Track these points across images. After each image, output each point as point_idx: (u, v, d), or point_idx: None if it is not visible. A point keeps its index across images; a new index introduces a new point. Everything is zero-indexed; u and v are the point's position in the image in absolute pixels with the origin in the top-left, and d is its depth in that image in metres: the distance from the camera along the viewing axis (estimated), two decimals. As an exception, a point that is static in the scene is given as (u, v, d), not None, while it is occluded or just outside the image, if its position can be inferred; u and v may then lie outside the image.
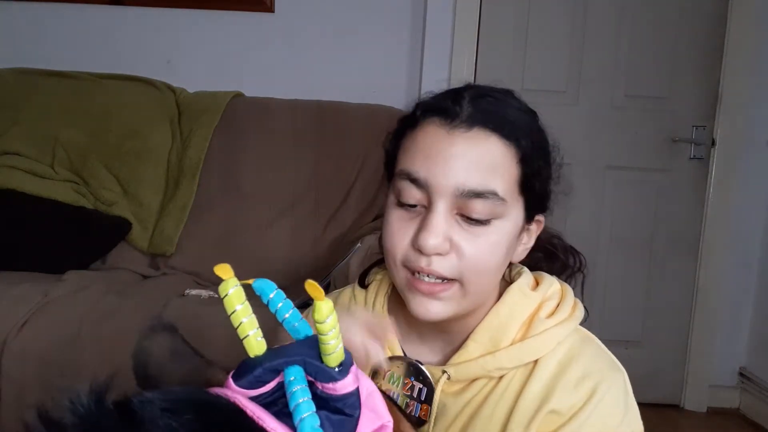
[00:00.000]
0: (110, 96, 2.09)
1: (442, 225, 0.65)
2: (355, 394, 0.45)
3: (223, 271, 0.45)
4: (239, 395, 0.44)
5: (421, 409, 0.71)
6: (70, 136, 2.01)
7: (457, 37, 2.26)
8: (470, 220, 0.65)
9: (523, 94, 0.73)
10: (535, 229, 0.74)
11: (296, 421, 0.42)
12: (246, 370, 0.45)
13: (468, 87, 0.70)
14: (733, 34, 2.26)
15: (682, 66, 2.32)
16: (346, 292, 0.84)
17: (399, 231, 0.67)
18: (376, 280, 0.81)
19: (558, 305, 0.73)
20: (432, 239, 0.64)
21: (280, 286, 0.49)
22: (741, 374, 2.41)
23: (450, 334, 0.73)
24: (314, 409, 0.43)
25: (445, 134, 0.65)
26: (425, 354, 0.75)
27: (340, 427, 0.44)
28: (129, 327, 1.44)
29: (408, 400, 0.72)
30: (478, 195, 0.64)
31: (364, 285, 0.82)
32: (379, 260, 0.80)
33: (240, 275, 0.48)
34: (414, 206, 0.67)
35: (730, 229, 2.34)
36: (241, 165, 2.03)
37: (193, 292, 1.70)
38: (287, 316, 0.47)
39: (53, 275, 1.69)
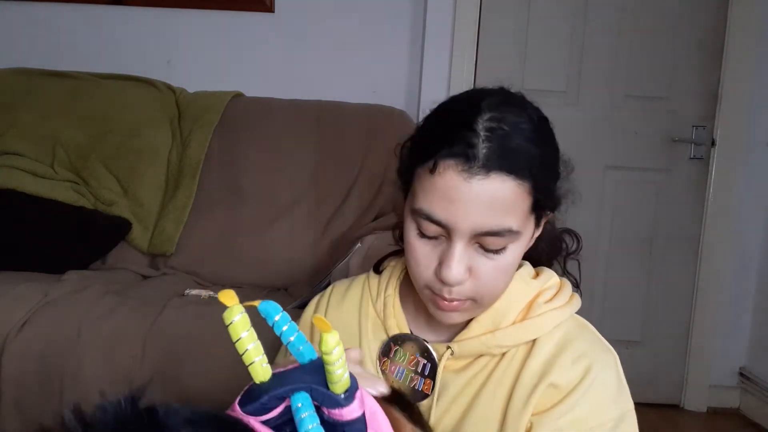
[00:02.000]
0: (110, 96, 2.09)
1: (461, 259, 0.69)
2: (361, 419, 0.46)
3: (227, 297, 0.45)
4: (251, 420, 0.45)
5: (424, 383, 0.78)
6: (70, 136, 2.01)
7: (457, 37, 2.26)
8: (488, 250, 0.70)
9: (522, 95, 0.74)
10: (542, 225, 0.77)
11: None
12: (253, 396, 0.46)
13: (479, 107, 0.69)
14: (733, 34, 2.26)
15: (682, 66, 2.32)
16: (359, 280, 0.89)
17: (423, 260, 0.72)
18: (390, 266, 0.87)
19: (556, 294, 0.79)
20: (453, 276, 0.69)
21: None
22: (741, 374, 2.41)
23: None
24: None
25: (463, 181, 0.66)
26: (431, 336, 0.81)
27: None
28: (129, 327, 1.45)
29: (412, 375, 0.78)
30: (494, 233, 0.68)
31: (378, 272, 0.87)
32: (395, 251, 0.86)
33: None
34: (435, 237, 0.71)
35: (730, 229, 2.34)
36: (241, 165, 2.02)
37: (193, 292, 1.70)
38: (292, 339, 0.48)
39: (53, 275, 1.69)
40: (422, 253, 0.72)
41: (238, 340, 0.44)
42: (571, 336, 0.75)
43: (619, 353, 0.78)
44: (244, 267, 1.91)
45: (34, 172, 1.95)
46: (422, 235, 0.71)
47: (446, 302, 0.72)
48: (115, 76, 2.15)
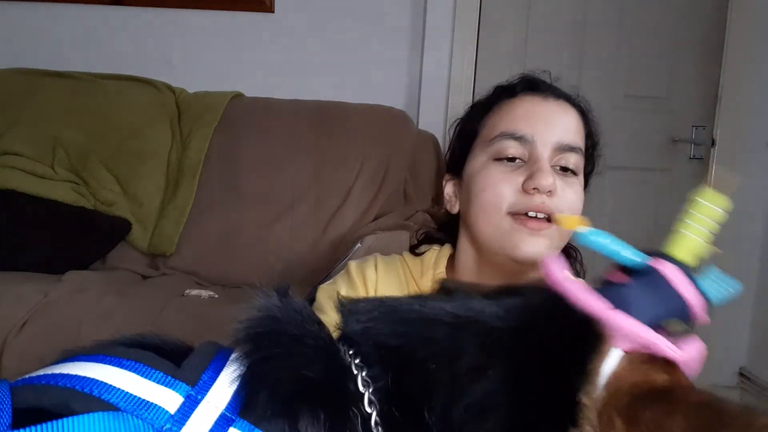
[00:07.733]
0: (110, 96, 2.09)
1: (551, 170, 0.77)
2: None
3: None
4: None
5: None
6: (70, 136, 2.01)
7: (457, 37, 2.26)
8: (565, 170, 0.79)
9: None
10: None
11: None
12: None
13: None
14: (733, 34, 2.26)
15: (682, 66, 2.32)
16: (394, 259, 0.90)
17: (504, 181, 0.78)
18: (433, 250, 0.89)
19: None
20: (549, 179, 0.76)
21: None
22: (741, 374, 2.40)
23: None
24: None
25: (541, 100, 0.81)
26: None
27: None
28: (129, 327, 1.44)
29: None
30: (572, 149, 0.80)
31: (416, 254, 0.90)
32: (431, 238, 0.92)
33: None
34: (513, 160, 0.78)
35: (730, 230, 2.33)
36: (241, 165, 2.02)
37: (193, 292, 1.69)
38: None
39: (53, 275, 1.69)
40: (502, 174, 0.78)
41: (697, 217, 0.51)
42: None
43: (619, 353, 0.80)
44: (244, 267, 1.90)
45: (34, 172, 1.95)
46: (500, 159, 0.79)
47: (534, 222, 0.76)
48: (115, 76, 2.15)
